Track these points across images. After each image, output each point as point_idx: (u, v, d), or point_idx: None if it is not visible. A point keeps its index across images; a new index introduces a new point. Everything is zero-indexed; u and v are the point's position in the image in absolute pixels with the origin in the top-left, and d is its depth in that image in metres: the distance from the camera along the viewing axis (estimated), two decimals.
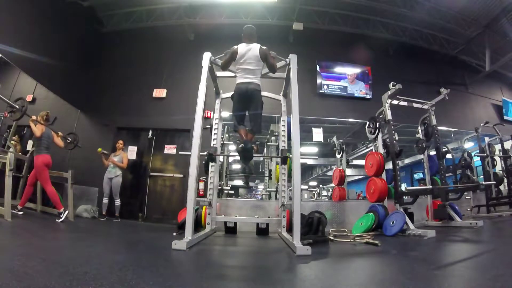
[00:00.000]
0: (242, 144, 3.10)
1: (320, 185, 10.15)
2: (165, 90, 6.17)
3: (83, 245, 2.45)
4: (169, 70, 6.35)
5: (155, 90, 6.17)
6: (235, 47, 3.17)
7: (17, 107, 4.09)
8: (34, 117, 3.98)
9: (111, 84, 6.24)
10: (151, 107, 6.07)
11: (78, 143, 4.94)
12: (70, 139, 4.85)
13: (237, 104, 3.20)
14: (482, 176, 5.78)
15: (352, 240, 3.08)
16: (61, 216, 3.73)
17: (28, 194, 3.92)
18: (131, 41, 6.66)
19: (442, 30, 6.73)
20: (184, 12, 6.24)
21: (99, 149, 5.13)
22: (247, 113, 3.29)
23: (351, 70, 6.72)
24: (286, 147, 3.68)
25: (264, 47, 3.16)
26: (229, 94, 3.56)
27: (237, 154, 3.41)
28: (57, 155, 4.49)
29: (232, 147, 5.73)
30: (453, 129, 6.87)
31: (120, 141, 5.30)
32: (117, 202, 4.94)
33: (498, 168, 5.78)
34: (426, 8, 6.17)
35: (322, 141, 6.11)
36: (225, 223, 3.97)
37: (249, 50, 3.11)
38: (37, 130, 3.90)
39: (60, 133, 4.36)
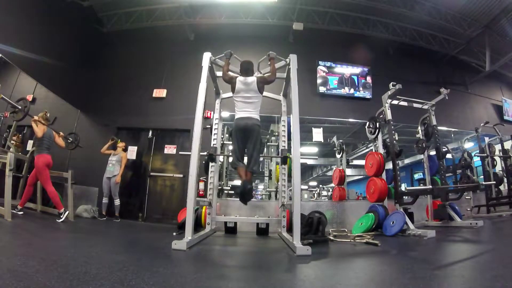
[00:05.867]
0: (242, 185, 3.02)
1: (320, 185, 10.15)
2: (165, 90, 6.17)
3: (83, 245, 2.45)
4: (169, 70, 6.35)
5: (155, 90, 6.17)
6: (234, 75, 3.23)
7: (20, 107, 4.10)
8: (36, 117, 3.98)
9: (111, 84, 6.24)
10: (151, 107, 6.07)
11: (79, 143, 4.95)
12: (71, 139, 4.86)
13: (236, 140, 3.15)
14: (482, 176, 5.78)
15: (352, 240, 3.08)
16: (61, 216, 3.73)
17: (28, 194, 3.92)
18: (131, 41, 6.65)
19: (442, 30, 6.73)
20: (184, 12, 6.23)
21: (119, 141, 5.25)
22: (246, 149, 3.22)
23: (351, 70, 6.72)
24: (286, 147, 3.68)
25: (259, 76, 3.22)
26: (229, 94, 3.56)
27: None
28: (57, 155, 4.48)
29: (232, 147, 5.73)
30: (453, 129, 6.87)
31: (121, 143, 5.27)
32: (117, 202, 4.93)
33: (498, 168, 5.78)
34: (426, 8, 6.17)
35: (322, 141, 6.11)
36: (225, 223, 3.97)
37: (247, 85, 3.11)
38: (39, 130, 3.89)
39: (61, 133, 4.37)
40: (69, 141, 4.84)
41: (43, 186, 4.01)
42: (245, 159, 3.22)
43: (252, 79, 3.13)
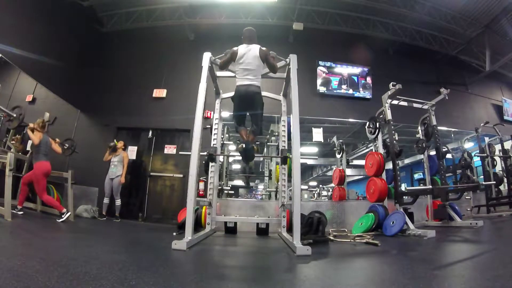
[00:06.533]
0: (243, 145, 3.11)
1: (320, 185, 10.15)
2: (165, 90, 6.17)
3: (83, 245, 2.45)
4: (169, 70, 6.35)
5: (155, 90, 6.17)
6: (235, 48, 3.18)
7: (14, 115, 4.10)
8: (31, 125, 3.98)
9: (111, 84, 6.24)
10: (151, 107, 6.07)
11: (76, 148, 4.95)
12: (67, 145, 4.86)
13: (237, 106, 3.20)
14: (482, 176, 5.78)
15: (352, 240, 3.08)
16: (62, 216, 3.74)
17: (24, 193, 3.92)
18: (131, 41, 6.66)
19: (442, 30, 6.73)
20: (184, 12, 6.24)
21: (116, 142, 5.20)
22: (248, 113, 3.30)
23: (351, 70, 6.72)
24: (286, 147, 3.68)
25: (264, 48, 3.16)
26: (229, 94, 3.56)
27: (237, 154, 3.43)
28: (57, 155, 4.48)
29: (232, 147, 5.74)
30: (453, 129, 6.88)
31: (119, 142, 5.25)
32: (118, 202, 4.93)
33: (498, 168, 5.78)
34: (426, 8, 6.18)
35: (322, 141, 6.11)
36: (225, 223, 3.97)
37: (248, 50, 3.11)
38: (35, 138, 3.89)
39: (57, 140, 4.37)
40: (65, 147, 4.84)
41: (38, 196, 3.99)
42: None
43: (256, 46, 3.14)
